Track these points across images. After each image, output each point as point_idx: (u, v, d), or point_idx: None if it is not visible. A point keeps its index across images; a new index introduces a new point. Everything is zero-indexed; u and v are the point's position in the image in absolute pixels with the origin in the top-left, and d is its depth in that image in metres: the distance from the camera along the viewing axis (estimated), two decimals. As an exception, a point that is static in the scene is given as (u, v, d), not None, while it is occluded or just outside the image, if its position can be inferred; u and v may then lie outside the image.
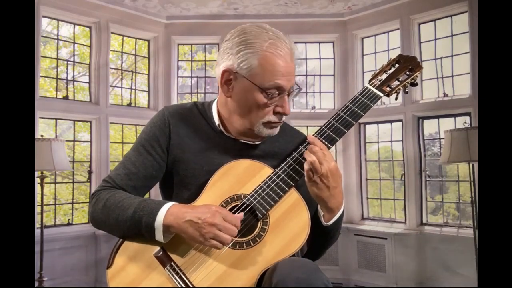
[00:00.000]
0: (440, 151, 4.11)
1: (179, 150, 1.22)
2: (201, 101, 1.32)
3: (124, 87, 4.62)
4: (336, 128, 1.16)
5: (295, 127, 1.40)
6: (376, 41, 4.37)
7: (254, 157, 1.22)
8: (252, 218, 1.10)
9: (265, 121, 1.17)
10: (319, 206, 1.15)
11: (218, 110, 1.25)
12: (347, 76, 4.44)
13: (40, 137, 3.19)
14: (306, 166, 1.08)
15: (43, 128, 4.68)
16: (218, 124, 1.24)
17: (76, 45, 4.28)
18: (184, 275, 1.05)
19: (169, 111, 1.26)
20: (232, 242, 1.06)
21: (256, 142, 1.25)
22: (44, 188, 3.29)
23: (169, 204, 1.08)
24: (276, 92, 1.13)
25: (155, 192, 3.10)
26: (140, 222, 1.07)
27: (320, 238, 1.18)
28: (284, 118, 1.21)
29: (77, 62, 4.37)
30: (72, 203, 4.22)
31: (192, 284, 1.04)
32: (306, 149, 1.13)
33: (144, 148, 1.21)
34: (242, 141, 1.24)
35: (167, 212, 1.06)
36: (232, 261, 1.06)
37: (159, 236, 1.06)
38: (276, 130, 1.21)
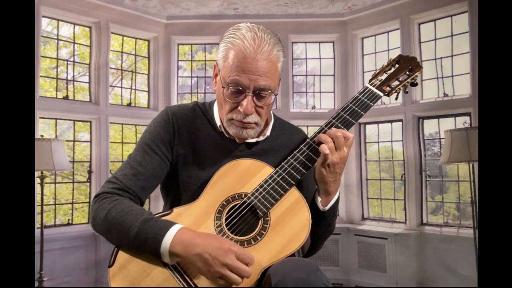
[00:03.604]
0: (440, 151, 4.11)
1: (183, 149, 1.22)
2: (201, 101, 1.33)
3: (124, 87, 4.62)
4: (336, 127, 1.16)
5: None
6: (376, 41, 4.38)
7: (256, 155, 1.23)
8: (253, 217, 1.11)
9: (229, 118, 1.16)
10: (316, 193, 1.17)
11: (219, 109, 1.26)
12: (347, 76, 4.45)
13: (40, 137, 3.20)
14: (324, 150, 1.08)
15: (43, 128, 4.68)
16: (220, 126, 1.24)
17: (76, 45, 4.28)
18: (185, 273, 1.05)
19: (173, 111, 1.26)
20: (233, 241, 1.06)
21: (256, 140, 1.25)
22: (44, 188, 3.29)
23: (175, 228, 1.03)
24: (235, 88, 1.12)
25: (155, 193, 3.09)
26: (144, 245, 1.03)
27: (317, 227, 1.16)
28: (256, 119, 1.15)
29: (77, 62, 4.37)
30: (72, 203, 4.22)
31: (193, 283, 1.04)
32: (306, 148, 1.15)
33: (150, 147, 1.19)
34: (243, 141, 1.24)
35: (174, 238, 1.01)
36: (233, 260, 1.06)
37: (166, 260, 1.03)
38: (246, 132, 1.17)
